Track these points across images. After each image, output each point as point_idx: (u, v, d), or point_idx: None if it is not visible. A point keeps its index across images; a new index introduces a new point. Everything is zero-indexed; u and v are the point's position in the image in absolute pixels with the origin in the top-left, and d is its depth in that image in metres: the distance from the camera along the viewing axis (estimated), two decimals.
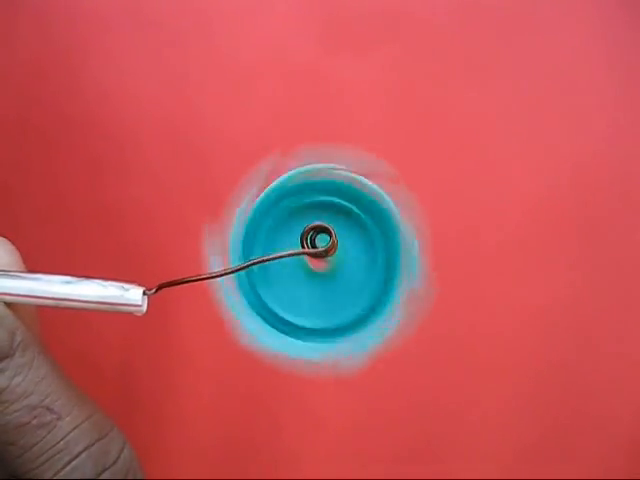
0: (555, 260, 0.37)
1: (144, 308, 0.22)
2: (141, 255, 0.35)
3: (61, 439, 0.21)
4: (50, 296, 0.22)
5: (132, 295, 0.22)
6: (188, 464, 0.38)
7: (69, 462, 0.21)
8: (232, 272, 0.24)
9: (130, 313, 0.22)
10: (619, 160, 0.36)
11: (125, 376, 0.36)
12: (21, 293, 0.21)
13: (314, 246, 0.26)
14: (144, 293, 0.22)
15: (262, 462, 0.37)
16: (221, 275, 0.24)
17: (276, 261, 0.25)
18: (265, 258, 0.24)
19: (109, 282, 0.22)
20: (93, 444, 0.22)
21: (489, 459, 0.38)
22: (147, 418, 0.37)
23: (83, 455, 0.21)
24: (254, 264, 0.24)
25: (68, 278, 0.22)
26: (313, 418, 0.37)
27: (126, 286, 0.22)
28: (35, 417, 0.21)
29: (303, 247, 0.25)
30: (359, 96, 0.35)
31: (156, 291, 0.23)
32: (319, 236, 0.26)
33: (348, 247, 0.26)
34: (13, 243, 0.23)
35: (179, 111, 0.35)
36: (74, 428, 0.21)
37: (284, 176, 0.26)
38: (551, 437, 0.38)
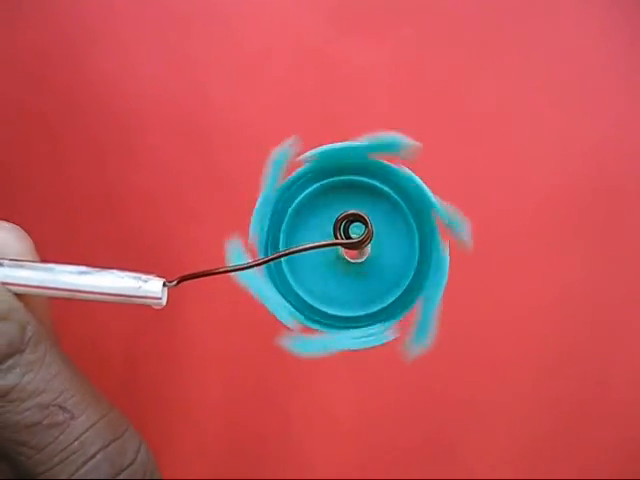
0: (568, 251, 0.36)
1: (164, 301, 0.21)
2: (147, 243, 0.34)
3: (75, 439, 0.20)
4: (64, 287, 0.20)
5: (151, 287, 0.21)
6: (195, 456, 0.37)
7: (85, 463, 0.20)
8: (259, 264, 0.22)
9: (148, 305, 0.21)
10: (633, 150, 0.34)
11: (132, 367, 0.36)
12: (33, 284, 0.20)
13: (348, 235, 0.24)
14: (164, 285, 0.21)
15: (270, 455, 0.37)
16: (248, 267, 0.22)
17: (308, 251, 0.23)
18: (295, 249, 0.23)
19: (126, 273, 0.21)
20: (109, 444, 0.20)
21: (502, 452, 0.37)
22: (154, 409, 0.36)
23: (99, 456, 0.20)
24: (283, 256, 0.23)
25: (83, 268, 0.21)
26: (322, 412, 0.36)
27: (144, 277, 0.21)
28: (47, 416, 0.20)
29: (336, 237, 0.23)
30: (370, 79, 0.34)
31: (177, 283, 0.21)
32: (353, 225, 0.24)
33: (382, 232, 0.25)
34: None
35: (186, 96, 0.34)
36: (89, 428, 0.20)
37: (309, 157, 0.24)
38: (564, 430, 0.37)
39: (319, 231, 0.25)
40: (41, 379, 0.20)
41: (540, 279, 0.36)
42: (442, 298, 0.25)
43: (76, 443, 0.20)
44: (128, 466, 0.21)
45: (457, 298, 0.36)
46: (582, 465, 0.37)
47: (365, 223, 0.23)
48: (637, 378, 0.36)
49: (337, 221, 0.24)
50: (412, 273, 0.25)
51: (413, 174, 0.23)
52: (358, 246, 0.24)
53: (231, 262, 0.22)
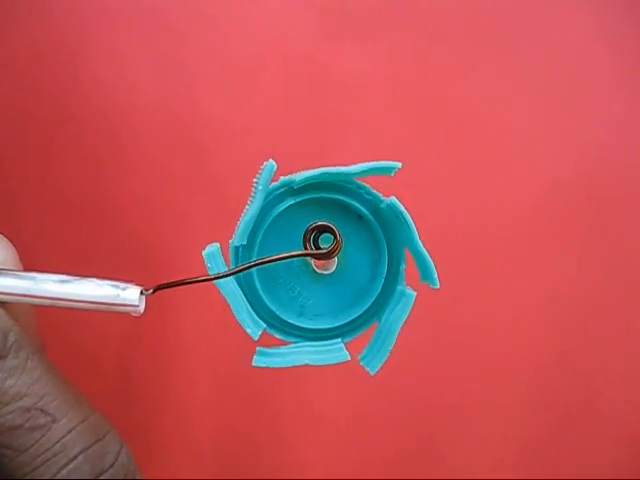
0: (562, 254, 0.37)
1: (141, 308, 0.22)
2: (139, 247, 0.35)
3: (57, 441, 0.21)
4: (45, 295, 0.21)
5: (129, 295, 0.22)
6: (187, 460, 0.37)
7: (65, 465, 0.21)
8: (231, 274, 0.23)
9: (127, 313, 0.22)
10: (626, 154, 0.36)
11: (124, 372, 0.36)
12: (16, 292, 0.21)
13: (317, 246, 0.25)
14: (141, 293, 0.22)
15: (260, 458, 0.37)
16: (220, 277, 0.23)
17: (278, 262, 0.24)
18: (266, 259, 0.24)
19: (105, 281, 0.22)
20: (90, 446, 0.21)
21: (494, 455, 0.38)
22: (146, 414, 0.37)
23: (80, 458, 0.21)
24: (254, 266, 0.24)
25: (64, 277, 0.22)
26: (313, 415, 0.37)
27: (122, 285, 0.22)
28: (29, 419, 0.21)
29: (306, 248, 0.24)
30: (359, 84, 0.35)
31: (153, 292, 0.22)
32: (322, 236, 0.25)
33: (351, 245, 0.26)
34: (10, 238, 0.23)
35: (178, 102, 0.34)
36: (70, 430, 0.21)
37: (287, 177, 0.25)
38: (558, 432, 0.38)
39: (292, 243, 0.25)
40: (23, 383, 0.20)
41: (533, 282, 0.37)
42: (401, 332, 0.25)
43: (58, 445, 0.21)
44: (109, 468, 0.21)
45: (450, 302, 0.37)
46: (576, 466, 0.37)
47: (334, 234, 0.24)
48: (630, 380, 0.37)
49: (307, 232, 0.25)
50: (375, 296, 0.26)
51: (398, 204, 0.24)
52: (327, 256, 0.25)
53: (208, 268, 0.23)
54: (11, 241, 0.22)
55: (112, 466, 0.22)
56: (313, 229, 0.25)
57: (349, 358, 0.25)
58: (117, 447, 0.22)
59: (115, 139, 0.34)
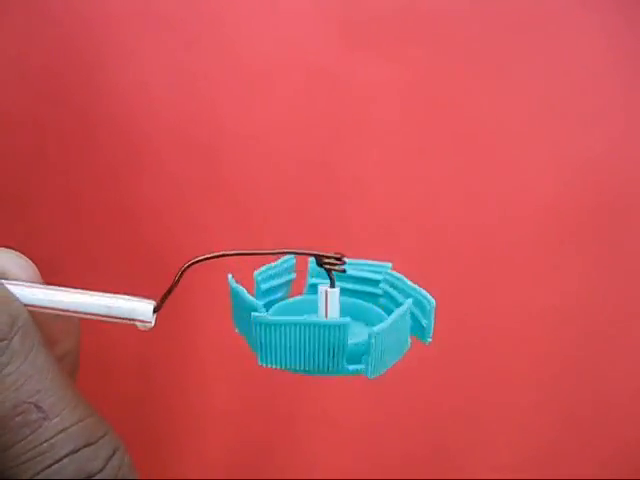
0: (568, 259, 0.36)
1: (152, 324, 0.22)
2: (154, 254, 0.35)
3: (45, 440, 0.20)
4: (58, 307, 0.21)
5: (142, 309, 0.22)
6: (200, 462, 0.36)
7: (50, 466, 0.20)
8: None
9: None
10: (635, 159, 0.34)
11: (143, 374, 0.36)
12: (30, 303, 0.21)
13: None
14: (154, 311, 0.22)
15: (275, 460, 0.36)
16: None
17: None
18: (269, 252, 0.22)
19: (119, 296, 0.22)
20: (79, 449, 0.20)
21: (505, 458, 0.37)
22: (165, 416, 0.36)
23: (66, 460, 0.20)
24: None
25: (79, 290, 0.22)
26: (327, 418, 0.36)
27: (136, 299, 0.22)
28: (20, 414, 0.20)
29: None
30: (378, 95, 0.35)
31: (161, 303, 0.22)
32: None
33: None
34: (27, 246, 0.23)
35: (195, 111, 0.35)
36: (61, 431, 0.20)
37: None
38: (569, 435, 0.37)
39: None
40: (22, 373, 0.20)
41: (542, 288, 0.36)
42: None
43: (45, 444, 0.20)
44: (97, 473, 0.20)
45: (459, 308, 0.35)
46: (588, 468, 0.36)
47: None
48: (637, 385, 0.36)
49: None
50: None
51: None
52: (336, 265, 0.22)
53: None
54: (28, 251, 0.22)
55: (100, 471, 0.21)
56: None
57: None
58: (109, 452, 0.21)
59: (131, 147, 0.35)
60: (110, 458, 0.21)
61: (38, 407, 0.20)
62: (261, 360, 0.20)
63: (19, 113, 0.35)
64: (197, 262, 0.22)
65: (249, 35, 0.35)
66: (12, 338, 0.20)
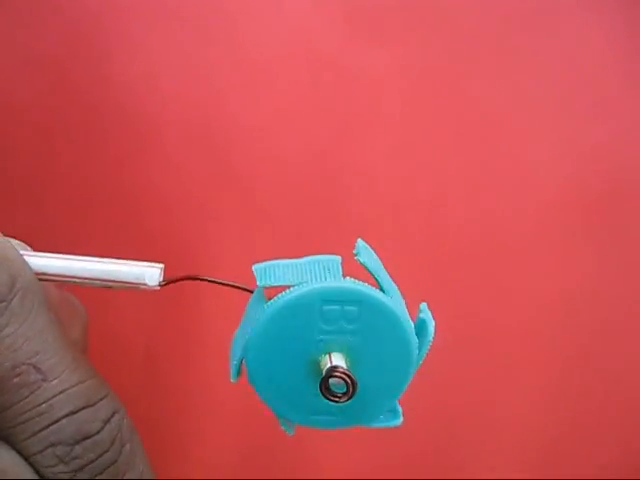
0: (577, 248, 0.36)
1: (160, 282, 0.22)
2: (164, 246, 0.35)
3: (44, 401, 0.20)
4: (63, 273, 0.21)
5: (146, 273, 0.22)
6: (214, 446, 0.36)
7: (47, 426, 0.20)
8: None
9: (142, 289, 0.22)
10: None
11: (153, 358, 0.36)
12: (35, 270, 0.21)
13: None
14: (160, 274, 0.22)
15: (284, 446, 0.36)
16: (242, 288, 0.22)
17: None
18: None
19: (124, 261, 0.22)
20: (78, 411, 0.20)
21: (512, 456, 0.36)
22: (174, 401, 0.36)
23: (64, 421, 0.20)
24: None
25: (82, 257, 0.22)
26: None
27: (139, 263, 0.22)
28: (19, 375, 0.20)
29: (322, 392, 0.19)
30: (383, 85, 0.35)
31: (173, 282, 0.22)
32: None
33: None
34: (35, 237, 0.23)
35: (202, 100, 0.35)
36: (60, 392, 0.20)
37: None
38: (577, 432, 0.36)
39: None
40: (21, 334, 0.20)
41: (549, 279, 0.36)
42: None
43: (44, 405, 0.20)
44: (94, 434, 0.20)
45: (466, 300, 0.35)
46: (595, 466, 0.36)
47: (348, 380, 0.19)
48: None
49: (324, 378, 0.19)
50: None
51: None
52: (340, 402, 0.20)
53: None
54: (35, 242, 0.22)
55: (98, 433, 0.20)
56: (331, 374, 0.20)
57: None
58: (108, 414, 0.21)
59: (139, 138, 0.35)
60: (109, 420, 0.21)
61: (37, 368, 0.20)
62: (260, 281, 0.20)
63: (26, 104, 0.35)
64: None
65: (254, 26, 0.35)
66: (11, 300, 0.20)
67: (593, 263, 0.36)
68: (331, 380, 0.19)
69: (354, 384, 0.19)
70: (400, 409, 0.22)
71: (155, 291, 0.22)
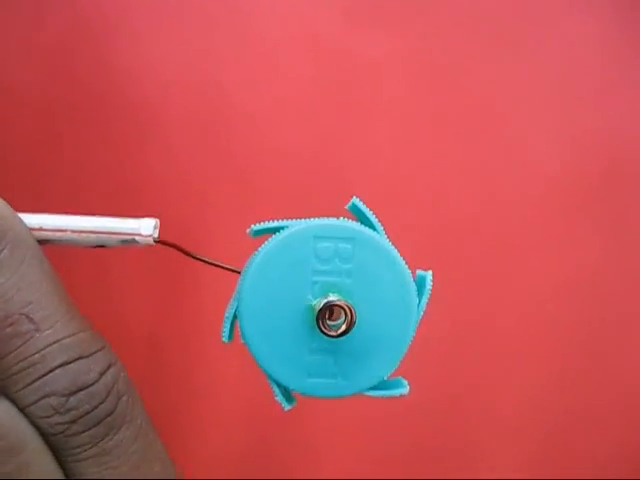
0: (579, 233, 0.35)
1: (155, 236, 0.22)
2: (161, 231, 0.35)
3: (37, 352, 0.20)
4: (56, 228, 0.21)
5: (141, 224, 0.22)
6: (218, 436, 0.36)
7: (41, 377, 0.20)
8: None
9: (137, 244, 0.22)
10: None
11: (155, 347, 0.36)
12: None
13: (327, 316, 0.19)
14: (155, 226, 0.22)
15: (289, 431, 0.36)
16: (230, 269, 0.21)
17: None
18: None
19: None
20: (72, 362, 0.20)
21: (510, 450, 0.35)
22: (177, 390, 0.35)
23: (58, 371, 0.20)
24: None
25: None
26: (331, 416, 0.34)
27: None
28: (11, 324, 0.20)
29: (318, 324, 0.19)
30: (385, 71, 0.35)
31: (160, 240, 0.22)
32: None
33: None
34: None
35: (203, 88, 0.36)
36: (53, 342, 0.20)
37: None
38: (577, 422, 0.35)
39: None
40: (12, 285, 0.20)
41: (552, 266, 0.35)
42: None
43: (37, 355, 0.20)
44: (88, 386, 0.20)
45: (468, 286, 0.35)
46: (594, 463, 0.35)
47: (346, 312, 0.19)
48: None
49: (320, 311, 0.19)
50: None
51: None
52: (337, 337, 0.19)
53: None
54: None
55: (93, 384, 0.20)
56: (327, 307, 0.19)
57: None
58: (103, 367, 0.20)
59: (141, 126, 0.35)
60: (104, 372, 0.20)
61: (29, 318, 0.20)
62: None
63: (28, 92, 0.36)
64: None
65: (256, 14, 0.36)
66: (1, 251, 0.20)
67: (596, 248, 0.35)
68: (327, 313, 0.19)
69: (352, 314, 0.19)
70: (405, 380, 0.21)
71: (150, 247, 0.21)
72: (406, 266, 0.20)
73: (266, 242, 0.20)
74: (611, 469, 0.35)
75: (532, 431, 0.35)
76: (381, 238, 0.20)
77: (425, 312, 0.20)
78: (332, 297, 0.19)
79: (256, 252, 0.20)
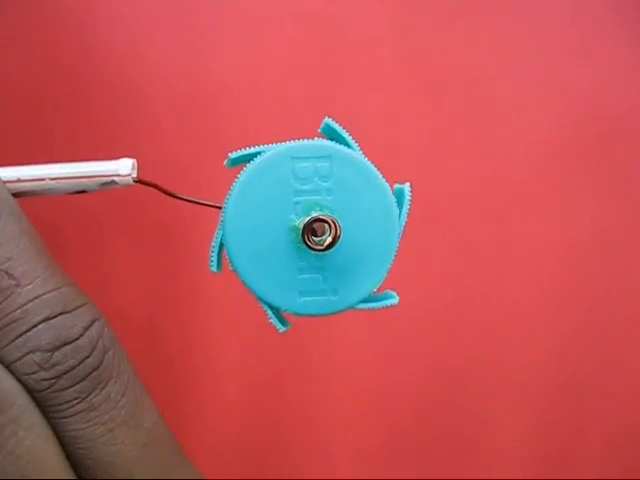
0: (578, 197, 0.35)
1: (133, 175, 0.21)
2: (156, 215, 0.35)
3: (18, 307, 0.19)
4: (34, 177, 0.21)
5: (119, 164, 0.21)
6: (217, 422, 0.35)
7: (25, 332, 0.19)
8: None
9: (117, 186, 0.21)
10: (636, 91, 0.34)
11: (153, 333, 0.35)
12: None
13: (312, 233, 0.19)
14: (133, 166, 0.22)
15: (290, 421, 0.36)
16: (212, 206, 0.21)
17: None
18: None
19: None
20: (55, 316, 0.20)
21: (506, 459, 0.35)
22: (173, 373, 0.35)
23: (41, 326, 0.19)
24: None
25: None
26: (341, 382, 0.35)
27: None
28: None
29: (304, 239, 0.19)
30: (370, 40, 0.36)
31: (139, 180, 0.22)
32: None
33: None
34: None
35: (189, 65, 0.35)
36: (35, 297, 0.20)
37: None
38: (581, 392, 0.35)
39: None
40: None
41: (551, 229, 0.35)
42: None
43: (18, 311, 0.19)
44: (73, 341, 0.20)
45: (465, 251, 0.34)
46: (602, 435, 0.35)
47: (331, 226, 0.19)
48: None
49: (305, 226, 0.19)
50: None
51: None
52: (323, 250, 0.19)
53: None
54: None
55: (77, 339, 0.20)
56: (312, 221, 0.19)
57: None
58: (87, 321, 0.20)
59: (127, 108, 0.35)
60: (88, 327, 0.20)
61: (9, 274, 0.20)
62: None
63: (11, 77, 0.35)
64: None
65: None
66: None
67: (595, 207, 0.35)
68: (312, 228, 0.19)
69: (337, 226, 0.19)
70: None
71: (129, 187, 0.21)
72: (384, 179, 0.20)
73: (245, 167, 0.20)
74: (620, 441, 0.35)
75: (539, 399, 0.35)
76: (357, 154, 0.20)
77: (407, 223, 0.20)
78: (315, 214, 0.19)
79: (236, 179, 0.20)
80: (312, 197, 0.20)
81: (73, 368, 0.20)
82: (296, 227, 0.20)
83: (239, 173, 0.20)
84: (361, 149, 0.20)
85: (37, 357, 0.19)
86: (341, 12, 0.35)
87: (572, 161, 0.35)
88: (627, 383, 0.35)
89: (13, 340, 0.19)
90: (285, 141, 0.20)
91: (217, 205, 0.21)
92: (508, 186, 0.36)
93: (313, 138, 0.20)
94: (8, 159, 0.35)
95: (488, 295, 0.36)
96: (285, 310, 0.21)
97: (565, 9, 0.36)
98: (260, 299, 0.20)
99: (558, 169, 0.35)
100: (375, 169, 0.20)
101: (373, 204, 0.20)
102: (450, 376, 0.36)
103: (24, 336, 0.19)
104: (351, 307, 0.20)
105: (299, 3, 0.36)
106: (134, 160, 0.21)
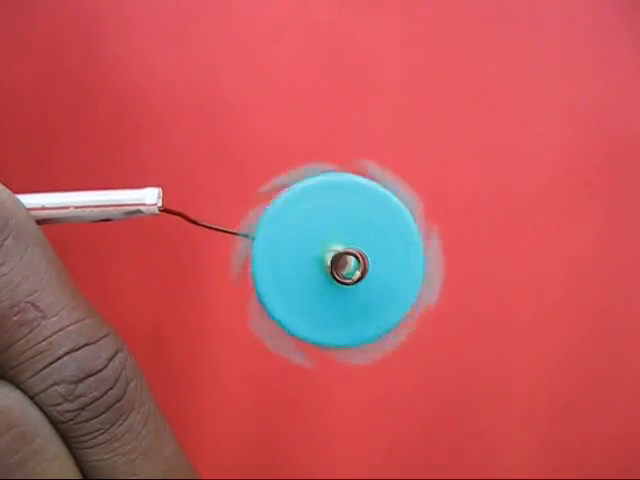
0: (587, 212, 0.35)
1: (159, 204, 0.21)
2: (161, 226, 0.34)
3: (44, 339, 0.19)
4: (59, 205, 0.21)
5: (145, 194, 0.21)
6: (224, 430, 0.35)
7: (50, 364, 0.19)
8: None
9: (142, 215, 0.21)
10: None
11: (159, 341, 0.35)
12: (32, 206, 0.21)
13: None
14: (159, 195, 0.22)
15: (296, 424, 0.36)
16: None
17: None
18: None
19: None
20: (79, 348, 0.20)
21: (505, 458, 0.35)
22: (181, 384, 0.35)
23: (65, 358, 0.20)
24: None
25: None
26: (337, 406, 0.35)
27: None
28: (18, 313, 0.19)
29: (332, 273, 0.19)
30: (380, 54, 0.36)
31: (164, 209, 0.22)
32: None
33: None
34: None
35: (197, 75, 0.35)
36: (60, 329, 0.20)
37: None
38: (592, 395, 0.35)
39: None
40: (17, 273, 0.19)
41: (557, 241, 0.35)
42: None
43: (44, 343, 0.19)
44: (96, 372, 0.20)
45: (470, 262, 0.34)
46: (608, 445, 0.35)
47: (358, 259, 0.19)
48: None
49: (334, 259, 0.19)
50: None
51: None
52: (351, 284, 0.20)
53: None
54: None
55: (101, 370, 0.20)
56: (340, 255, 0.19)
57: None
58: (110, 352, 0.20)
59: (135, 117, 0.35)
60: (112, 358, 0.20)
61: (35, 306, 0.20)
62: None
63: (19, 84, 0.35)
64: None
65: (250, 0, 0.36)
66: (5, 239, 0.20)
67: (603, 224, 0.35)
68: (340, 262, 0.19)
69: (365, 261, 0.19)
70: None
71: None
72: (412, 217, 0.20)
73: (274, 198, 0.20)
74: (625, 451, 0.35)
75: (545, 412, 0.35)
76: (391, 194, 0.20)
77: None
78: (343, 247, 0.20)
79: (265, 209, 0.20)
80: (340, 230, 0.20)
81: (97, 400, 0.20)
82: (323, 259, 0.20)
83: (267, 203, 0.20)
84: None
85: (62, 389, 0.20)
86: (350, 23, 0.35)
87: (581, 176, 0.35)
88: (635, 399, 0.35)
89: (38, 372, 0.19)
90: (303, 164, 0.21)
91: (241, 233, 0.21)
92: (516, 201, 0.36)
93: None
94: (15, 165, 0.35)
95: (494, 309, 0.36)
96: (309, 342, 0.21)
97: (580, 28, 0.35)
98: (285, 330, 0.21)
99: (566, 184, 0.35)
100: (404, 207, 0.20)
101: (399, 240, 0.20)
102: (455, 388, 0.36)
103: (49, 368, 0.19)
104: (374, 340, 0.21)
105: (308, 13, 0.36)
106: (160, 189, 0.21)
